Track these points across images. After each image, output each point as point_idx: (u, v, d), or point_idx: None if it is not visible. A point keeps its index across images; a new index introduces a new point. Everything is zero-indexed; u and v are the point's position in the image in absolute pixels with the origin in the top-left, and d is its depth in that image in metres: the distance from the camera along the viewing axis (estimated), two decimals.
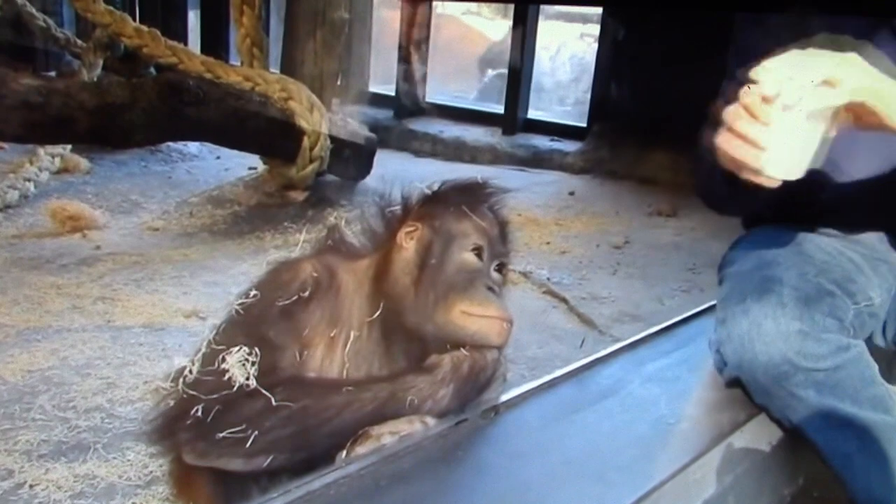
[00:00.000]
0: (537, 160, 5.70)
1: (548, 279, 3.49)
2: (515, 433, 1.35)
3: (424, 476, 1.18)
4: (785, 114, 1.16)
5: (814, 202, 1.61)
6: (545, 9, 6.10)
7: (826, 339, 1.39)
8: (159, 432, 1.22)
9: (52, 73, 5.27)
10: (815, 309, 1.42)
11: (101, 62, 5.02)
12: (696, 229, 4.30)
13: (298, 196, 4.24)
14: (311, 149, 4.05)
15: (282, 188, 4.28)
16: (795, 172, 1.22)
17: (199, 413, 1.14)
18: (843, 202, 1.60)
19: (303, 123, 4.00)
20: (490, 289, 1.30)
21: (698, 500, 1.32)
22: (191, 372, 1.21)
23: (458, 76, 6.79)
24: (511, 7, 5.92)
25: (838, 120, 1.22)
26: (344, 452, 1.17)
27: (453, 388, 1.24)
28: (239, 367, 1.17)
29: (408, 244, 1.32)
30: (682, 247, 4.05)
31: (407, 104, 6.30)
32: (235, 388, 1.16)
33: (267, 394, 1.14)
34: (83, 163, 4.80)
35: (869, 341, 1.58)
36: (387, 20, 6.58)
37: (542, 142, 5.86)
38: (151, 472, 1.95)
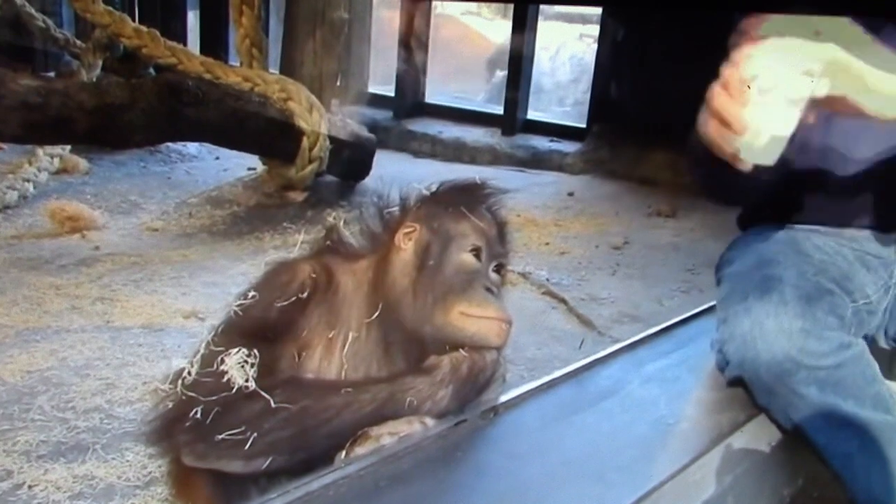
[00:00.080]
0: (537, 161, 5.70)
1: (547, 280, 3.49)
2: (515, 434, 1.35)
3: (424, 477, 1.18)
4: (761, 97, 1.17)
5: (807, 199, 1.62)
6: (544, 9, 6.10)
7: (828, 337, 1.39)
8: (158, 434, 1.22)
9: (52, 74, 5.26)
10: (817, 307, 1.42)
11: (100, 63, 5.02)
12: (695, 230, 4.30)
13: (297, 197, 4.24)
14: (311, 149, 4.05)
15: (281, 189, 4.28)
16: (769, 158, 1.23)
17: (198, 415, 1.14)
18: (836, 199, 1.61)
19: (302, 124, 4.00)
20: (489, 290, 1.30)
21: (698, 501, 1.32)
22: (189, 373, 1.21)
23: (457, 77, 6.79)
24: (511, 7, 5.92)
25: (816, 108, 1.23)
26: (343, 453, 1.17)
27: (452, 389, 1.24)
28: (238, 368, 1.17)
29: (406, 245, 1.32)
30: (681, 247, 4.05)
31: (406, 105, 6.30)
32: (234, 390, 1.15)
33: (266, 396, 1.14)
34: (82, 163, 4.80)
35: (868, 340, 1.58)
36: (386, 20, 6.58)
37: (542, 142, 5.86)
38: (150, 472, 1.95)
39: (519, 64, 5.90)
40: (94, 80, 4.87)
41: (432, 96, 6.42)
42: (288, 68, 4.55)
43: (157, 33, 4.33)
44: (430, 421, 1.22)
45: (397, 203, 1.39)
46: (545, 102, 6.52)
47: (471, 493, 1.21)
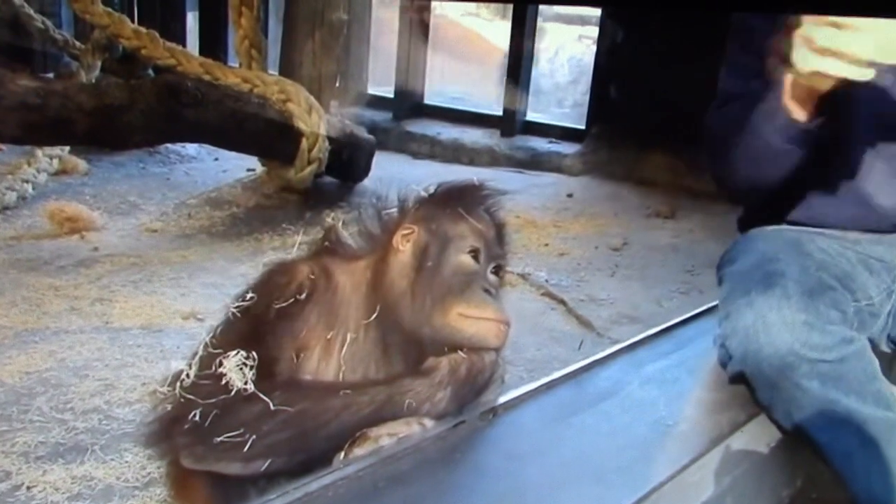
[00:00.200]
0: (536, 162, 5.70)
1: (546, 281, 3.49)
2: (514, 435, 1.34)
3: (423, 478, 1.18)
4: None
5: (809, 201, 1.62)
6: (543, 10, 6.10)
7: (830, 331, 1.40)
8: (157, 436, 1.22)
9: (51, 75, 5.25)
10: (819, 301, 1.42)
11: (99, 64, 5.02)
12: (694, 231, 4.30)
13: (297, 198, 4.24)
14: (310, 150, 4.05)
15: (280, 190, 4.28)
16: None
17: (197, 417, 1.14)
18: (839, 201, 1.61)
19: (301, 125, 3.99)
20: (487, 291, 1.30)
21: (697, 502, 1.32)
22: (188, 375, 1.20)
23: (457, 77, 6.78)
24: (510, 8, 5.92)
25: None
26: (342, 454, 1.17)
27: (451, 390, 1.24)
28: (236, 370, 1.17)
29: (404, 247, 1.32)
30: (680, 248, 4.05)
31: (405, 106, 6.30)
32: (233, 392, 1.15)
33: (265, 398, 1.14)
34: (81, 164, 4.79)
35: (870, 343, 1.58)
36: (385, 21, 6.58)
37: (541, 144, 5.85)
38: (149, 473, 1.95)
39: (518, 65, 5.90)
40: (94, 81, 4.87)
41: (431, 97, 6.42)
42: (287, 69, 4.55)
43: (157, 34, 4.33)
44: (428, 422, 1.22)
45: (395, 204, 1.39)
46: (544, 104, 6.51)
47: (470, 494, 1.21)
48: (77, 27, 5.91)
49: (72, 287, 3.16)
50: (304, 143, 4.02)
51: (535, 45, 6.01)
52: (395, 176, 4.50)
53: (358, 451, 1.17)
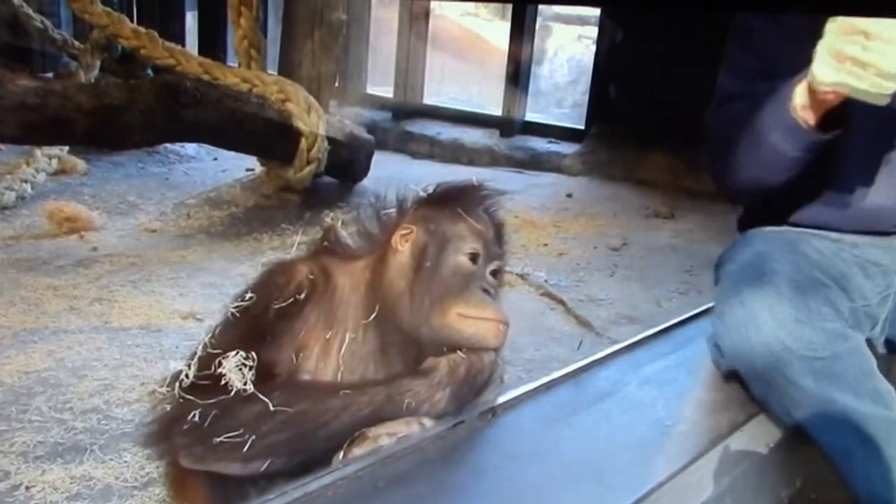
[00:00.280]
0: (535, 162, 5.70)
1: (545, 281, 3.49)
2: (513, 435, 1.34)
3: (422, 478, 1.18)
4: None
5: (807, 203, 1.62)
6: (543, 11, 6.10)
7: (822, 328, 1.40)
8: (156, 436, 1.22)
9: (50, 75, 5.26)
10: (811, 298, 1.43)
11: (98, 63, 5.02)
12: (693, 231, 4.31)
13: (296, 198, 4.24)
14: (309, 150, 4.05)
15: (279, 190, 4.28)
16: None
17: (196, 417, 1.14)
18: (837, 204, 1.61)
19: (300, 125, 3.99)
20: (486, 291, 1.30)
21: (696, 502, 1.32)
22: (187, 376, 1.20)
23: (456, 77, 6.78)
24: (509, 9, 5.92)
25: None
26: (341, 454, 1.17)
27: (450, 390, 1.23)
28: (236, 371, 1.17)
29: (403, 247, 1.32)
30: (679, 249, 4.05)
31: (404, 106, 6.30)
32: (232, 393, 1.15)
33: (264, 398, 1.14)
34: (80, 164, 4.79)
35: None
36: (385, 21, 6.58)
37: (540, 144, 5.86)
38: (148, 473, 1.95)
39: (517, 65, 5.90)
40: (93, 80, 4.87)
41: (430, 97, 6.42)
42: (286, 69, 4.55)
43: (156, 34, 4.33)
44: (428, 422, 1.22)
45: (394, 204, 1.39)
46: (543, 104, 6.52)
47: (469, 494, 1.21)
48: (76, 27, 5.91)
49: (71, 287, 3.16)
50: (304, 143, 4.02)
51: (535, 46, 6.01)
52: (394, 176, 4.51)
53: (357, 450, 1.17)
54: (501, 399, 1.40)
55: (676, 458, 1.33)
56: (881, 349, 1.63)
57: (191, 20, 6.81)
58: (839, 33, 1.23)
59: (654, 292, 3.45)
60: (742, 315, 1.44)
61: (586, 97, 5.84)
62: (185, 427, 1.15)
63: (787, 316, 1.39)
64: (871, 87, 1.23)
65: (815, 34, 1.28)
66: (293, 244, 1.47)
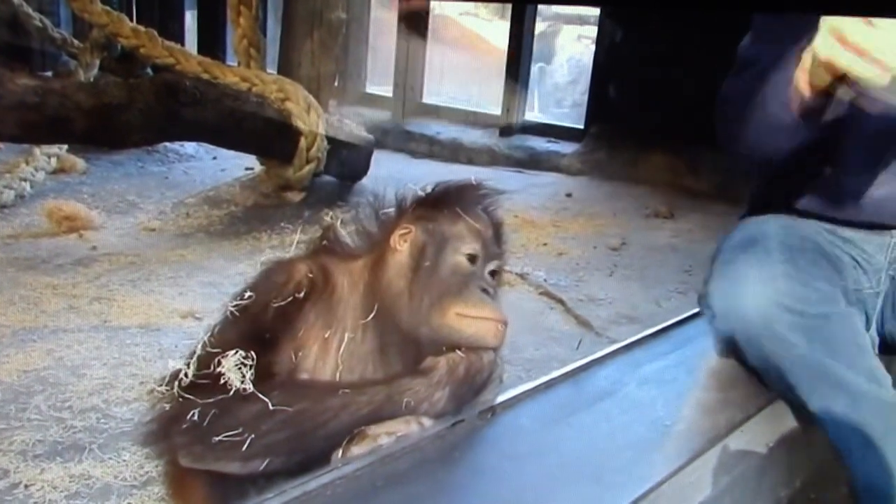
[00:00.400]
0: (534, 162, 5.70)
1: (545, 281, 3.49)
2: (512, 434, 1.34)
3: (421, 477, 1.18)
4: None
5: (807, 193, 1.62)
6: (542, 10, 6.10)
7: (812, 284, 1.41)
8: (155, 435, 1.21)
9: (49, 74, 5.25)
10: (800, 256, 1.44)
11: (97, 62, 5.02)
12: (693, 231, 4.31)
13: (295, 197, 4.24)
14: (308, 149, 4.05)
15: (278, 189, 4.28)
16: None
17: (196, 416, 1.13)
18: (835, 196, 1.61)
19: (300, 124, 4.00)
20: (485, 290, 1.29)
21: (695, 502, 1.32)
22: (186, 375, 1.20)
23: (455, 77, 6.78)
24: (508, 8, 5.92)
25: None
26: (340, 451, 1.17)
27: (449, 390, 1.23)
28: (235, 370, 1.17)
29: (402, 247, 1.32)
30: (679, 248, 4.06)
31: (404, 105, 6.31)
32: (231, 392, 1.15)
33: (263, 398, 1.14)
34: (79, 163, 4.80)
35: None
36: (384, 21, 6.58)
37: (540, 143, 5.86)
38: (147, 472, 1.95)
39: (517, 65, 5.91)
40: (92, 79, 4.87)
41: (430, 97, 6.43)
42: (286, 68, 4.55)
43: (155, 33, 4.33)
44: (427, 421, 1.22)
45: (393, 204, 1.39)
46: (543, 103, 6.53)
47: (468, 493, 1.21)
48: (75, 26, 5.90)
49: (70, 286, 3.16)
50: (303, 142, 4.02)
51: (535, 45, 6.01)
52: (393, 175, 4.52)
53: (356, 449, 1.17)
54: (500, 398, 1.40)
55: (675, 457, 1.33)
56: (875, 349, 1.63)
57: (190, 19, 6.82)
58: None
59: (654, 292, 3.45)
60: (732, 273, 1.45)
61: (586, 97, 5.84)
62: (184, 426, 1.14)
63: (776, 271, 1.40)
64: (867, 74, 1.24)
65: None
66: (292, 243, 1.47)
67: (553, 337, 2.96)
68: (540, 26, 6.52)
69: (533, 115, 6.20)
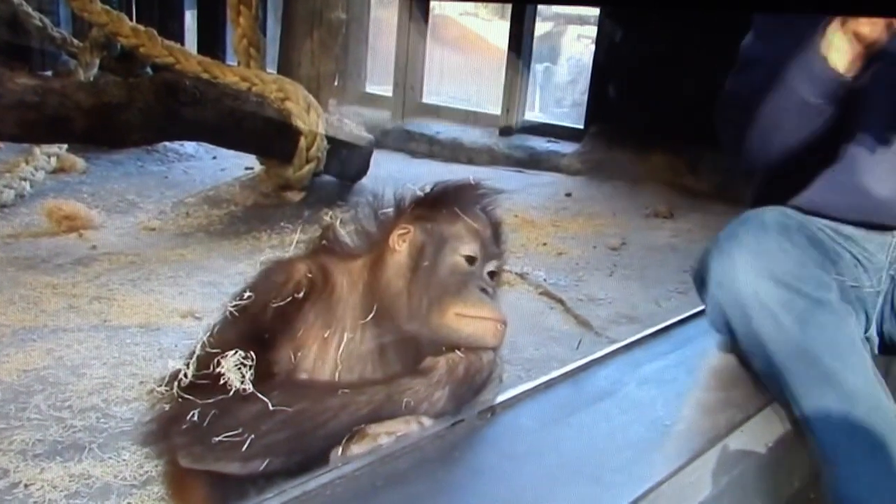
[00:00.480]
0: (534, 161, 5.70)
1: (544, 280, 3.49)
2: (512, 434, 1.34)
3: (420, 477, 1.18)
4: None
5: (807, 189, 1.62)
6: (542, 10, 6.10)
7: (807, 268, 1.41)
8: (155, 436, 1.21)
9: (49, 73, 5.26)
10: (798, 240, 1.44)
11: (97, 62, 5.02)
12: (692, 231, 4.31)
13: (295, 196, 4.24)
14: (308, 149, 4.05)
15: (278, 188, 4.28)
16: None
17: (195, 417, 1.13)
18: (836, 192, 1.60)
19: (299, 124, 4.00)
20: (484, 290, 1.29)
21: (694, 502, 1.32)
22: (185, 375, 1.20)
23: (455, 76, 6.78)
24: (508, 8, 5.92)
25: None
26: (339, 450, 1.17)
27: (449, 390, 1.23)
28: (234, 370, 1.17)
29: (400, 247, 1.32)
30: (678, 248, 4.05)
31: (404, 105, 6.31)
32: (231, 392, 1.15)
33: (263, 398, 1.14)
34: (79, 162, 4.80)
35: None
36: (384, 20, 6.58)
37: (540, 143, 5.86)
38: (147, 471, 1.95)
39: (516, 65, 5.91)
40: (92, 79, 4.87)
41: (430, 96, 6.43)
42: (285, 68, 4.55)
43: (155, 32, 4.33)
44: (427, 421, 1.22)
45: (391, 204, 1.39)
46: (543, 103, 6.53)
47: (467, 493, 1.21)
48: (75, 25, 5.90)
49: (70, 285, 3.16)
50: (303, 142, 4.02)
51: (534, 45, 6.01)
52: (393, 175, 4.52)
53: (356, 448, 1.17)
54: (500, 398, 1.40)
55: (675, 457, 1.33)
56: (875, 350, 1.63)
57: (190, 19, 6.82)
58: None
59: (654, 292, 3.45)
60: (727, 246, 1.45)
61: (585, 97, 5.84)
62: (184, 427, 1.14)
63: (773, 246, 1.40)
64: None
65: None
66: (292, 243, 1.47)
67: (553, 337, 2.96)
68: (546, 27, 6.53)
69: (534, 114, 6.19)
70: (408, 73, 6.29)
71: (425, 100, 6.40)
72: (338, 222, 1.43)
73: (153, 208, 4.33)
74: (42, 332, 2.72)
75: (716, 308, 1.54)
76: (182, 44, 4.90)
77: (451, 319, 1.25)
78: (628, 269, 3.75)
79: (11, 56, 5.24)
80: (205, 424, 1.13)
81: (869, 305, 1.60)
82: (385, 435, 1.18)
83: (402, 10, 6.30)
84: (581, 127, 5.79)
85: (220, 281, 3.27)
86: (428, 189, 1.38)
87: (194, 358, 1.22)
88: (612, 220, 4.50)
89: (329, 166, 4.21)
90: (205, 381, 1.17)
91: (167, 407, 1.20)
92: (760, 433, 1.50)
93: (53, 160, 4.50)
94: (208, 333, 1.26)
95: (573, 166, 5.55)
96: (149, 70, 5.00)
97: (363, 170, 4.48)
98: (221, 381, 1.16)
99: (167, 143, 5.26)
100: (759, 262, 1.40)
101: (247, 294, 1.29)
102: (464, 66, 6.81)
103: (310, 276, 1.31)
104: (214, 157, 5.36)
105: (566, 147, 5.73)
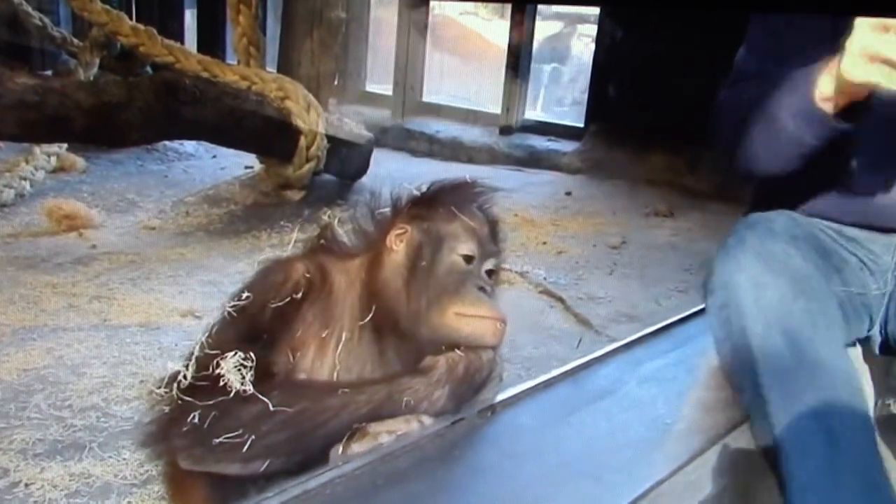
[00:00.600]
0: (534, 160, 5.71)
1: (544, 279, 3.49)
2: (512, 433, 1.34)
3: (421, 476, 1.18)
4: None
5: (812, 191, 1.61)
6: (542, 9, 6.10)
7: (811, 278, 1.39)
8: (154, 438, 1.21)
9: (49, 72, 5.26)
10: (803, 241, 1.44)
11: (97, 61, 5.02)
12: (692, 230, 4.31)
13: (295, 195, 4.24)
14: (308, 148, 4.05)
15: (278, 187, 4.28)
16: None
17: (196, 419, 1.13)
18: (840, 194, 1.60)
19: (299, 123, 3.99)
20: (482, 289, 1.29)
21: (695, 501, 1.32)
22: (185, 377, 1.20)
23: (455, 75, 6.78)
24: (508, 7, 5.92)
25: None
26: (340, 448, 1.17)
27: (449, 389, 1.23)
28: (234, 371, 1.16)
29: (398, 247, 1.31)
30: (678, 247, 4.06)
31: (404, 104, 6.31)
32: (231, 394, 1.15)
33: (264, 399, 1.14)
34: (79, 162, 4.80)
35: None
36: (384, 20, 6.58)
37: (540, 142, 5.86)
38: (147, 471, 1.95)
39: (517, 64, 5.91)
40: (92, 78, 4.87)
41: (430, 95, 6.43)
42: (285, 67, 4.55)
43: (155, 32, 4.33)
44: (427, 420, 1.22)
45: (388, 203, 1.38)
46: (548, 103, 6.53)
47: (468, 492, 1.21)
48: (75, 24, 5.90)
49: (70, 285, 3.16)
50: (303, 141, 4.02)
51: (534, 44, 6.01)
52: (393, 174, 4.52)
53: (356, 446, 1.17)
54: (500, 397, 1.40)
55: (676, 456, 1.33)
56: (875, 350, 1.62)
57: (190, 18, 6.82)
58: (871, 31, 1.22)
59: (654, 290, 3.45)
60: (734, 252, 1.45)
61: (585, 95, 5.84)
62: (184, 429, 1.14)
63: (780, 255, 1.40)
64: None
65: (840, 23, 1.28)
66: (292, 242, 1.46)
67: (553, 335, 2.97)
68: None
69: (535, 113, 6.20)
70: (408, 71, 6.29)
71: (425, 99, 6.40)
72: (335, 222, 1.43)
73: (153, 207, 4.33)
74: (42, 331, 2.72)
75: (716, 309, 1.54)
76: (182, 43, 4.90)
77: (450, 319, 1.25)
78: (628, 267, 3.75)
79: (11, 55, 5.23)
80: (205, 426, 1.13)
81: (874, 307, 1.59)
82: (385, 434, 1.18)
83: (402, 9, 6.29)
84: (581, 125, 5.79)
85: (220, 280, 3.27)
86: (424, 188, 1.38)
87: (193, 359, 1.22)
88: (612, 219, 4.50)
89: (329, 165, 4.21)
90: (204, 383, 1.17)
91: (167, 409, 1.19)
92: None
93: (53, 159, 4.50)
94: (206, 334, 1.26)
95: (573, 165, 5.55)
96: (149, 69, 5.00)
97: (363, 169, 4.48)
98: (221, 383, 1.15)
99: (167, 143, 5.26)
100: (764, 270, 1.39)
101: (245, 294, 1.28)
102: (464, 65, 6.81)
103: (308, 275, 1.31)
104: (214, 156, 5.36)
105: (566, 146, 5.73)
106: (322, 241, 1.41)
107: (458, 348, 1.25)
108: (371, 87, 6.56)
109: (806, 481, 1.31)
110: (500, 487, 1.19)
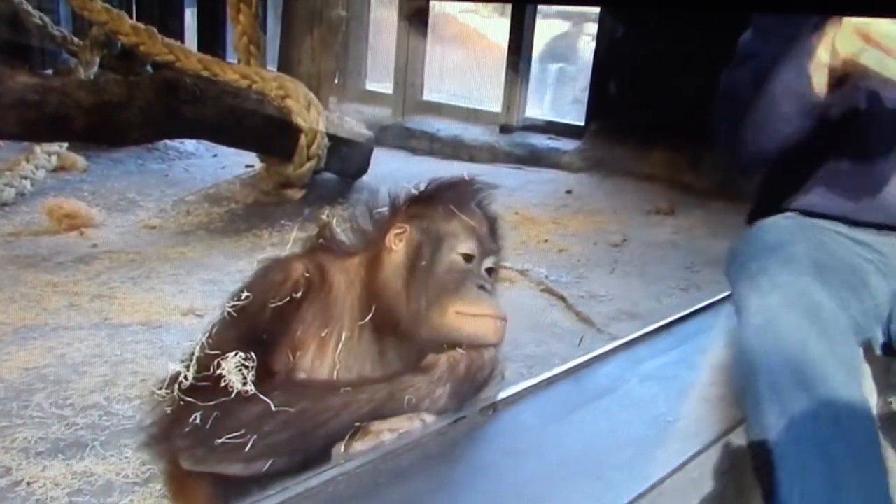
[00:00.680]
0: (535, 158, 5.70)
1: (546, 277, 3.49)
2: (513, 431, 1.34)
3: (423, 474, 1.18)
4: None
5: (819, 192, 1.60)
6: (542, 7, 6.10)
7: (829, 298, 1.35)
8: (156, 438, 1.21)
9: (49, 71, 5.25)
10: (828, 273, 1.39)
11: (97, 60, 5.01)
12: (694, 228, 4.31)
13: (295, 194, 4.24)
14: (309, 147, 4.05)
15: (279, 186, 4.28)
16: None
17: (197, 419, 1.13)
18: (850, 194, 1.58)
19: (300, 121, 3.99)
20: (482, 287, 1.29)
21: (696, 499, 1.32)
22: (185, 378, 1.19)
23: (455, 74, 6.78)
24: (508, 6, 5.92)
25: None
26: (342, 447, 1.17)
27: (451, 387, 1.23)
28: (235, 372, 1.16)
29: (397, 246, 1.31)
30: (680, 245, 4.05)
31: (404, 102, 6.31)
32: (233, 394, 1.14)
33: (265, 399, 1.13)
34: (80, 161, 4.80)
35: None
36: (384, 18, 6.57)
37: (540, 140, 5.86)
38: (149, 469, 1.95)
39: (517, 62, 5.90)
40: (92, 77, 4.86)
41: (430, 94, 6.42)
42: (286, 66, 4.55)
43: (155, 30, 4.32)
44: (428, 418, 1.22)
45: (387, 202, 1.38)
46: (543, 101, 6.52)
47: (469, 490, 1.21)
48: (75, 23, 5.90)
49: (71, 283, 3.16)
50: (303, 140, 4.02)
51: (535, 42, 6.01)
52: (394, 172, 4.52)
53: (358, 445, 1.17)
54: (502, 395, 1.40)
55: (677, 454, 1.33)
56: (878, 351, 1.61)
57: (190, 17, 6.82)
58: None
59: (655, 288, 3.45)
60: (750, 265, 1.41)
61: (586, 94, 5.84)
62: (186, 429, 1.14)
63: (794, 283, 1.34)
64: (890, 72, 1.22)
65: None
66: (292, 240, 1.46)
67: (554, 333, 2.97)
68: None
69: (535, 112, 6.19)
70: (408, 70, 6.29)
71: (426, 97, 6.40)
72: (335, 221, 1.43)
73: (154, 206, 4.33)
74: (43, 330, 2.72)
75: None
76: (182, 42, 4.88)
77: (450, 318, 1.25)
78: (629, 265, 3.75)
79: (12, 54, 5.23)
80: (207, 427, 1.13)
81: (881, 309, 1.58)
82: (387, 432, 1.18)
83: (403, 7, 6.29)
84: (582, 124, 5.79)
85: (221, 279, 3.27)
86: (423, 187, 1.38)
87: (194, 360, 1.22)
88: (612, 217, 4.50)
89: (329, 164, 4.21)
90: (205, 383, 1.17)
91: (168, 410, 1.19)
92: None
93: (54, 158, 4.50)
94: (206, 335, 1.26)
95: (574, 163, 5.55)
96: (149, 68, 5.00)
97: (364, 167, 4.48)
98: (222, 383, 1.15)
99: (168, 141, 5.26)
100: (780, 303, 1.35)
101: (244, 294, 1.28)
102: (464, 63, 6.81)
103: (307, 275, 1.31)
104: (215, 155, 5.36)
105: (567, 144, 5.73)
106: (321, 240, 1.41)
107: (460, 346, 1.25)
108: (371, 86, 6.56)
109: (804, 489, 1.28)
110: (501, 485, 1.20)
